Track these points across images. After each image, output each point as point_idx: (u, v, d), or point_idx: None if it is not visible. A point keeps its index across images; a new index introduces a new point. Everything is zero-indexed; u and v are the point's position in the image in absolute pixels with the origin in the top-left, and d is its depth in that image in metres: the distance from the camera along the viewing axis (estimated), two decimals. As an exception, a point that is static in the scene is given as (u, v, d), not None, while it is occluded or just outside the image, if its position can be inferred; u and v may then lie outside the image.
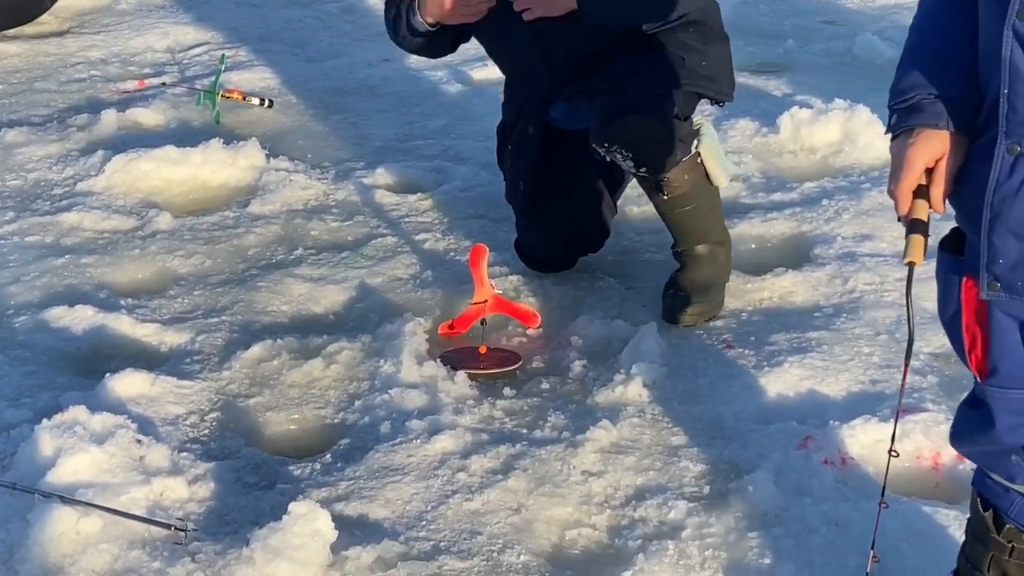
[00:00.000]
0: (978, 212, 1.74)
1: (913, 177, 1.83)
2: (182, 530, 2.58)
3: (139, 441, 2.81)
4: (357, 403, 3.11)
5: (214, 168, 4.41)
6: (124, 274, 3.80)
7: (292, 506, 2.53)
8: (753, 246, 3.82)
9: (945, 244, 1.90)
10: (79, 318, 3.46)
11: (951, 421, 2.03)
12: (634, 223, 3.92)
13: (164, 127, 4.89)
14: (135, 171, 4.35)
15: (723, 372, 3.18)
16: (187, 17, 6.18)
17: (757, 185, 4.20)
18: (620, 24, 3.35)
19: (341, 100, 5.22)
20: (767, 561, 2.51)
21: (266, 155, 4.49)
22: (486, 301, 3.39)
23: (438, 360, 3.25)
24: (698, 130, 3.41)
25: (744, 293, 3.52)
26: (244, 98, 5.05)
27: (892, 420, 2.79)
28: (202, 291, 3.69)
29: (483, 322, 3.36)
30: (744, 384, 3.12)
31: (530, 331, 3.43)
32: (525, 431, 2.98)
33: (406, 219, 4.10)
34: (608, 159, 3.34)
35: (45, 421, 2.80)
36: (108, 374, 3.13)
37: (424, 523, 2.66)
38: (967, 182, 1.80)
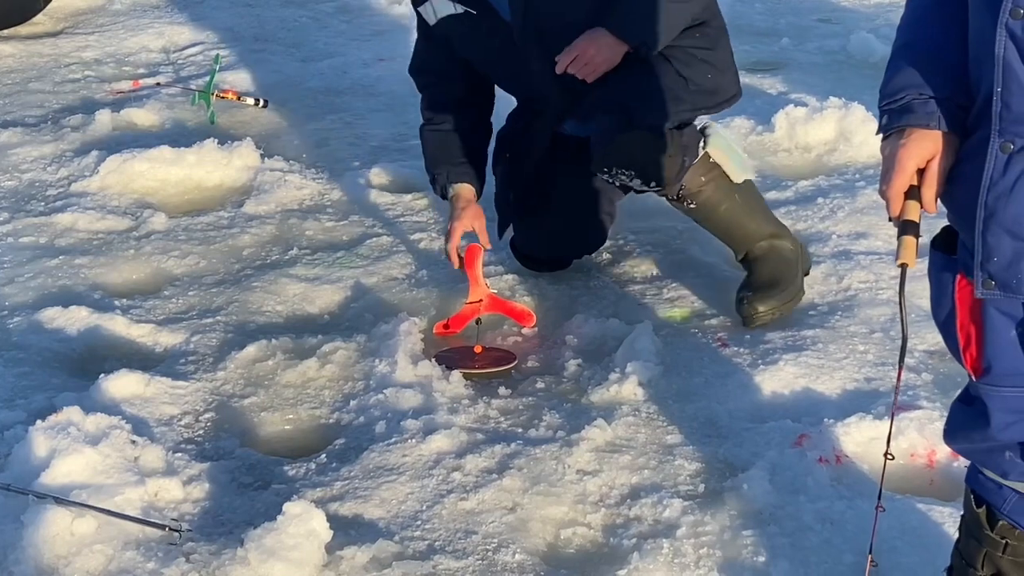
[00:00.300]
0: (971, 211, 1.74)
1: (904, 178, 1.83)
2: (176, 531, 2.57)
3: (133, 442, 2.81)
4: (352, 403, 3.11)
5: (209, 168, 4.41)
6: (119, 275, 3.80)
7: (287, 506, 2.52)
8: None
9: (937, 243, 1.89)
10: (73, 319, 3.46)
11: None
12: (629, 223, 3.92)
13: (159, 127, 4.88)
14: (130, 171, 4.35)
15: (718, 370, 3.18)
16: (182, 17, 6.18)
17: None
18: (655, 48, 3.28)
19: (336, 100, 5.22)
20: (762, 559, 2.51)
21: (261, 155, 4.49)
22: (481, 300, 3.39)
23: (433, 360, 3.25)
24: (703, 131, 3.39)
25: (739, 291, 3.52)
26: (239, 98, 5.05)
27: (886, 418, 2.80)
28: (197, 291, 3.68)
29: (478, 321, 3.37)
30: (739, 382, 3.12)
31: (525, 330, 3.43)
32: (520, 430, 2.98)
33: (401, 219, 4.10)
34: (617, 184, 3.33)
35: (39, 422, 2.80)
36: (102, 375, 3.12)
37: (419, 523, 2.66)
38: (959, 181, 1.80)
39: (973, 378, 1.87)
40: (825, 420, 2.88)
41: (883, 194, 1.85)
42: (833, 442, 2.80)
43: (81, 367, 3.30)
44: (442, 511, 2.69)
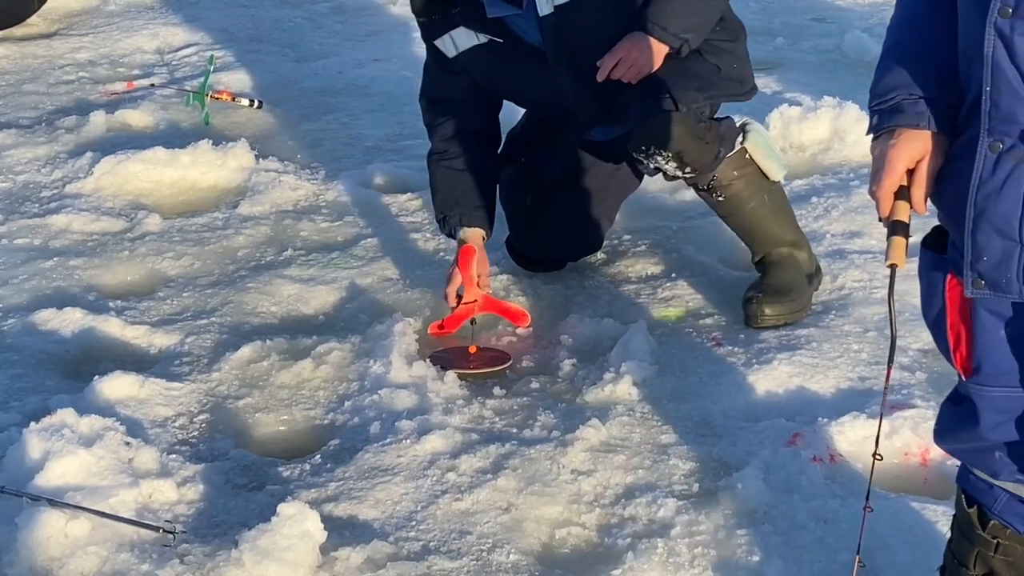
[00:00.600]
0: (961, 210, 1.74)
1: (894, 179, 1.83)
2: (171, 532, 2.57)
3: (128, 443, 2.81)
4: (347, 404, 3.11)
5: (203, 169, 4.40)
6: (113, 276, 3.80)
7: (281, 507, 2.52)
8: (743, 243, 3.81)
9: (928, 243, 1.90)
10: (68, 320, 3.46)
11: (937, 418, 2.03)
12: (624, 222, 3.92)
13: (153, 128, 4.88)
14: (124, 173, 4.34)
15: (712, 370, 3.18)
16: (176, 18, 6.18)
17: (746, 183, 4.20)
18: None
19: (331, 100, 5.22)
20: (756, 558, 2.51)
21: (255, 156, 4.49)
22: (475, 301, 3.39)
23: (428, 360, 3.25)
24: (743, 126, 3.39)
25: (733, 290, 3.52)
26: (233, 99, 5.04)
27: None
28: (191, 292, 3.68)
29: (473, 322, 3.36)
30: (733, 382, 3.12)
31: (520, 330, 3.43)
32: (515, 430, 2.98)
33: (396, 219, 4.10)
34: (652, 166, 3.26)
35: (33, 424, 2.80)
36: (97, 376, 3.12)
37: (414, 523, 2.66)
38: (949, 180, 1.80)
39: (963, 378, 1.87)
40: (819, 419, 2.88)
41: (873, 194, 1.85)
42: (827, 441, 2.81)
43: (75, 369, 3.30)
44: (437, 511, 2.69)
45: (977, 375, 1.84)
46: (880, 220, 1.87)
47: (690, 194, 3.78)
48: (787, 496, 2.66)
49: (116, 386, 3.10)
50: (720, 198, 3.38)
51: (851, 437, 2.82)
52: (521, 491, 2.75)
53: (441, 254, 3.83)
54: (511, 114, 3.70)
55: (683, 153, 3.20)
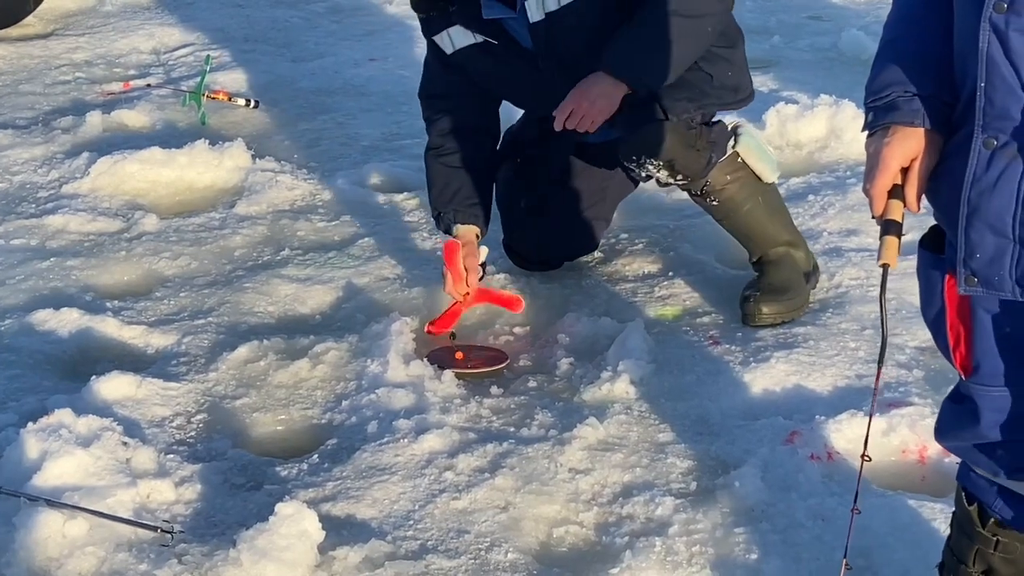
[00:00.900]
0: (955, 207, 1.74)
1: (888, 177, 1.82)
2: (168, 532, 2.57)
3: (125, 443, 2.81)
4: (344, 403, 3.11)
5: (200, 169, 4.40)
6: (110, 276, 3.80)
7: (279, 507, 2.52)
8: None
9: (925, 242, 1.89)
10: (65, 321, 3.45)
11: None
12: (621, 221, 3.92)
13: (149, 129, 4.88)
14: (120, 173, 4.34)
15: (709, 368, 3.18)
16: (172, 18, 6.18)
17: (743, 181, 4.19)
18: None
19: (327, 100, 5.22)
20: (754, 556, 2.51)
21: (252, 156, 4.49)
22: (467, 294, 3.37)
23: (425, 359, 3.25)
24: (734, 129, 3.39)
25: (731, 289, 3.52)
26: (230, 99, 5.04)
27: (878, 415, 2.81)
28: (188, 293, 3.68)
29: (453, 336, 3.33)
30: (730, 380, 3.12)
31: (517, 329, 3.43)
32: (512, 429, 2.98)
33: (393, 219, 4.10)
34: (644, 175, 3.29)
35: (31, 424, 2.80)
36: (94, 377, 3.12)
37: (411, 522, 2.66)
38: (944, 178, 1.80)
39: (963, 377, 1.87)
40: (816, 417, 2.88)
41: (867, 192, 1.85)
42: (824, 439, 2.81)
43: (72, 369, 3.30)
44: (434, 510, 2.69)
45: (976, 375, 1.84)
46: (874, 218, 1.87)
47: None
48: (785, 494, 2.66)
49: (113, 386, 3.10)
50: (714, 202, 3.39)
51: (848, 435, 2.82)
52: (519, 490, 2.75)
53: (438, 253, 3.82)
54: (511, 114, 3.70)
55: (674, 161, 3.22)
